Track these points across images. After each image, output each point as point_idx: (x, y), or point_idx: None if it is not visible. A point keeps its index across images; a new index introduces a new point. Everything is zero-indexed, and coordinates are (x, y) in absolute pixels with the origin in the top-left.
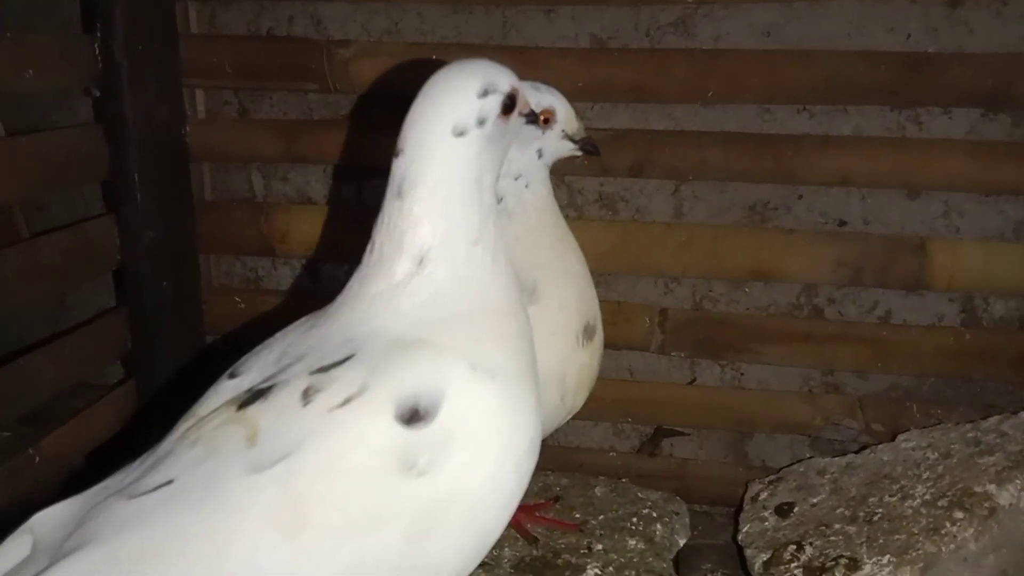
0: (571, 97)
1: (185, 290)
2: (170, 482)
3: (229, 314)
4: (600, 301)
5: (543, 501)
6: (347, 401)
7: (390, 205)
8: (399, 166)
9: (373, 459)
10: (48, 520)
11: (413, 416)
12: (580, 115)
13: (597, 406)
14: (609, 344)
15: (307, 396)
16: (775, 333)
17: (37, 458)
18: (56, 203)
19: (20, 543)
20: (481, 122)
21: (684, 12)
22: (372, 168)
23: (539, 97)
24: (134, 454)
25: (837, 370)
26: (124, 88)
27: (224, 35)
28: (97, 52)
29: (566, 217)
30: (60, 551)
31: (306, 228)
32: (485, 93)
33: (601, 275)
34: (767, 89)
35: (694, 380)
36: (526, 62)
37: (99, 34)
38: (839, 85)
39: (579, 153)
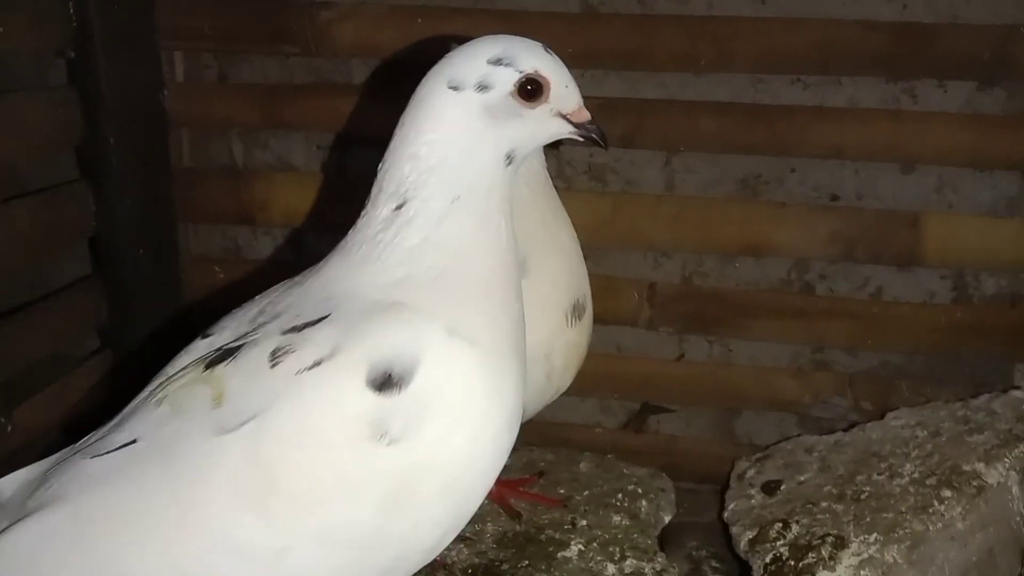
0: None
1: (162, 259)
2: (134, 441)
3: (208, 284)
4: (588, 275)
5: (527, 476)
6: (317, 364)
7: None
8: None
9: (342, 425)
10: (13, 483)
11: (386, 382)
12: None
13: (584, 382)
14: (597, 319)
15: (275, 356)
16: (765, 309)
17: (10, 427)
18: (29, 169)
19: None
20: (482, 87)
21: None
22: (356, 135)
23: None
24: None
25: (827, 347)
26: (99, 50)
27: None
28: (72, 12)
29: (555, 189)
30: (22, 510)
31: (288, 197)
32: (498, 62)
33: (590, 248)
34: (760, 58)
35: (682, 356)
36: (513, 27)
37: None
38: (833, 54)
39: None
